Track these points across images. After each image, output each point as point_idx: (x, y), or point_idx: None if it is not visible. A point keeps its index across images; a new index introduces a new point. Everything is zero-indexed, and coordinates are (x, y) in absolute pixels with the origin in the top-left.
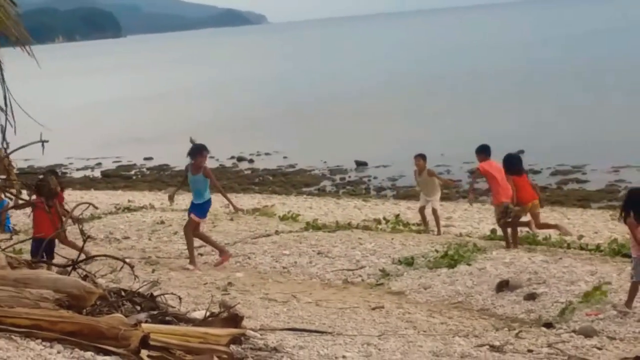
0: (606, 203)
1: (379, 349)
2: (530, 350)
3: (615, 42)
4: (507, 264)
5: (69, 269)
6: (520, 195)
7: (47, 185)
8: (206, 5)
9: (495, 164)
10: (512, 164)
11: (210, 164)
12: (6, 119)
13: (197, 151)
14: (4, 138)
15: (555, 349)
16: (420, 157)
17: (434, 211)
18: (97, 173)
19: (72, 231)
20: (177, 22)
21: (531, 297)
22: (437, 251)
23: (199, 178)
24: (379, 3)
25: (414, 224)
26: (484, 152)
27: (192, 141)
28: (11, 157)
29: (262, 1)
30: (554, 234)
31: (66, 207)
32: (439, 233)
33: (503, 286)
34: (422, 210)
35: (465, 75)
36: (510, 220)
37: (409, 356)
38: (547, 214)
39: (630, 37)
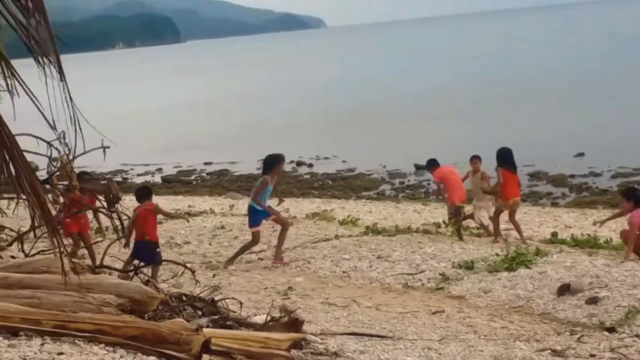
0: None
1: (440, 354)
2: (592, 355)
3: None
4: (568, 267)
5: (131, 274)
6: (504, 192)
7: (108, 191)
8: (264, 10)
9: (447, 167)
10: (507, 155)
11: None
12: (76, 125)
13: (282, 159)
14: (66, 145)
15: (618, 354)
16: (477, 159)
17: (490, 217)
18: (157, 178)
19: None
20: (234, 27)
21: (593, 301)
22: (497, 255)
23: (271, 187)
24: (443, 4)
25: (473, 228)
26: (433, 164)
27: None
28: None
29: (320, 5)
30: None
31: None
32: (495, 237)
33: (564, 290)
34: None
35: (522, 78)
36: (460, 219)
37: None
38: None
39: None
